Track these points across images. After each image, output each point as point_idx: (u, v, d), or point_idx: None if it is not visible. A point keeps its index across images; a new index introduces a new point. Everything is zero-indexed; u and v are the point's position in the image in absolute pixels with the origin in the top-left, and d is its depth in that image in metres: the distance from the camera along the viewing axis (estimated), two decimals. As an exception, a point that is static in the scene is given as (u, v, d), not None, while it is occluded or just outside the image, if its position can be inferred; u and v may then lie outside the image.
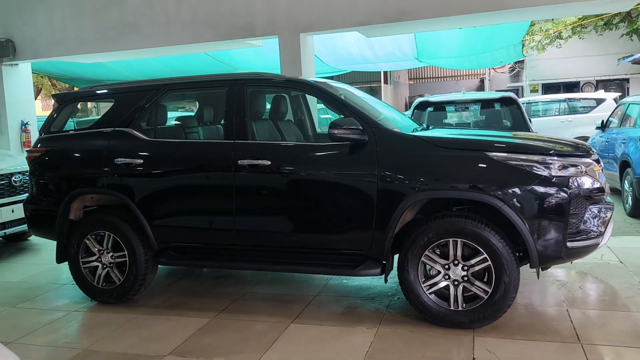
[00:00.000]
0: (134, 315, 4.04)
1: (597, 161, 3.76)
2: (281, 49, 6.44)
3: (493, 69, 27.75)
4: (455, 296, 3.48)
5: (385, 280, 3.63)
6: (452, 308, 3.48)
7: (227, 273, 4.97)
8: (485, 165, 3.38)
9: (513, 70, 25.79)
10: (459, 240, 3.43)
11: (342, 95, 4.46)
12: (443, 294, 3.53)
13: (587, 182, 3.41)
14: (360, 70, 21.57)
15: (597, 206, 3.48)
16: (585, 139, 10.35)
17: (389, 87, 27.59)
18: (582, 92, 20.55)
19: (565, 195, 3.29)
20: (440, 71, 33.67)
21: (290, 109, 5.08)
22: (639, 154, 6.97)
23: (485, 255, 3.37)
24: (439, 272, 3.52)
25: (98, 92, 4.69)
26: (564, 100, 13.86)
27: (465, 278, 3.46)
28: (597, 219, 3.46)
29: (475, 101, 6.88)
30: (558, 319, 3.57)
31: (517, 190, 3.29)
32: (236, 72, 4.34)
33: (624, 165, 7.44)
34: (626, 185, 7.32)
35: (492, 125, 6.81)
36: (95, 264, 4.30)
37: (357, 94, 4.97)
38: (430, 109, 7.16)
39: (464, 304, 3.47)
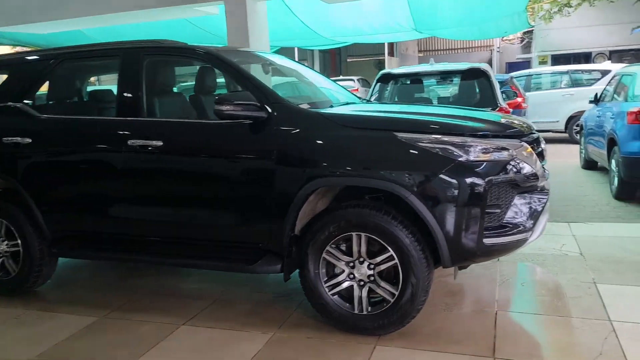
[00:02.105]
0: (24, 310, 3.67)
1: (535, 142, 3.24)
2: (227, 16, 5.90)
3: (503, 39, 26.67)
4: (360, 298, 3.03)
5: (285, 279, 3.18)
6: (356, 312, 3.03)
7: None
8: (391, 148, 2.88)
9: (523, 40, 24.71)
10: (362, 234, 2.96)
11: (261, 67, 3.99)
12: (350, 295, 3.08)
13: (515, 168, 2.89)
14: (361, 42, 20.86)
15: (527, 196, 2.97)
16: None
17: (394, 60, 26.77)
18: (594, 63, 19.51)
19: (483, 182, 2.77)
20: (450, 43, 32.58)
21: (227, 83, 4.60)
22: (626, 131, 6.34)
23: (392, 252, 2.90)
24: (343, 271, 3.06)
25: (-4, 63, 4.24)
26: (566, 72, 13.04)
27: (372, 278, 3.00)
28: (525, 210, 2.95)
29: (442, 73, 6.28)
30: (481, 325, 3.10)
31: (426, 177, 2.79)
32: (137, 40, 3.82)
33: (612, 143, 6.81)
34: (613, 165, 6.71)
35: (462, 99, 6.23)
36: (-9, 253, 3.93)
37: (294, 67, 4.50)
38: (395, 81, 6.58)
39: (370, 308, 3.02)
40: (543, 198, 3.02)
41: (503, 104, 5.92)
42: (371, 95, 6.18)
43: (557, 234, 4.84)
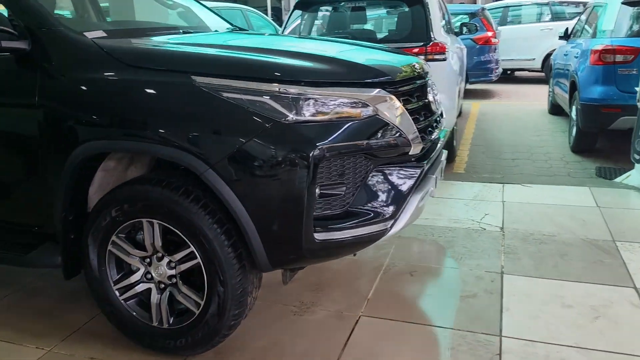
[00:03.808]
0: None
1: (421, 91, 2.33)
2: None
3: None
4: (159, 306, 2.20)
5: (66, 276, 2.31)
6: (155, 324, 2.22)
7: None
8: (184, 98, 1.96)
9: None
10: (155, 222, 2.09)
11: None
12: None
13: (370, 130, 1.99)
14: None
15: (390, 170, 2.09)
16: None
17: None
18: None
19: (317, 152, 1.87)
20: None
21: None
22: (588, 73, 5.40)
23: (193, 248, 2.04)
24: (138, 269, 2.22)
25: None
26: (547, 4, 11.82)
27: (175, 280, 2.17)
28: (386, 190, 2.08)
29: (369, -1, 5.19)
30: (330, 340, 2.29)
31: (231, 144, 1.89)
32: None
33: (573, 86, 5.87)
34: (573, 112, 5.81)
35: (398, 32, 5.21)
36: None
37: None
38: (330, 9, 5.50)
39: (172, 319, 2.20)
40: (414, 172, 2.15)
41: (444, 38, 4.91)
42: (285, 27, 5.12)
43: (484, 199, 4.02)
